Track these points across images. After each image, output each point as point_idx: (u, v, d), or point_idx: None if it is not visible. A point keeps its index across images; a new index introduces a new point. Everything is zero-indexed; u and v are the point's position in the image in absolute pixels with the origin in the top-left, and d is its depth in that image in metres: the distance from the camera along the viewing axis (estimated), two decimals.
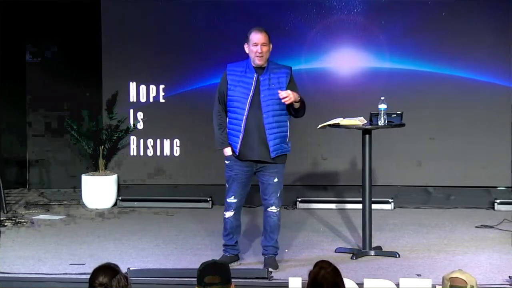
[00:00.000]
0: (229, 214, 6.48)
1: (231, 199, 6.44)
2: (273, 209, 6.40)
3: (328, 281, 3.76)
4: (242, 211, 6.63)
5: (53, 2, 9.74)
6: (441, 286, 4.13)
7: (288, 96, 6.17)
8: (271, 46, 6.34)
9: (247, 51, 6.35)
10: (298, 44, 9.13)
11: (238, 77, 6.32)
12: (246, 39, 6.34)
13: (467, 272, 4.17)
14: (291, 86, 6.32)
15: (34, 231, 7.98)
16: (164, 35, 9.37)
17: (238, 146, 6.29)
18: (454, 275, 4.01)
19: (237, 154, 6.31)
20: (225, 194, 6.49)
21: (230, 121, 6.36)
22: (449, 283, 3.97)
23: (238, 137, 6.29)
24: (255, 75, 6.29)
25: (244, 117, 6.25)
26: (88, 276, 3.74)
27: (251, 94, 6.24)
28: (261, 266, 6.40)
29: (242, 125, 6.26)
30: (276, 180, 6.35)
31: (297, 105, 6.29)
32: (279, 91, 6.20)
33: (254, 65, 6.31)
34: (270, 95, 6.25)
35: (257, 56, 6.26)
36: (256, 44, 6.26)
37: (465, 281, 4.00)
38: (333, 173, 9.19)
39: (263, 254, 6.51)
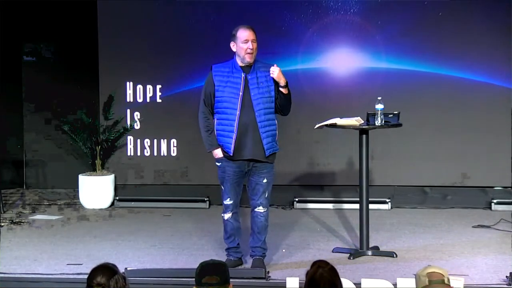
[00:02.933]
0: (227, 215, 6.41)
1: (227, 201, 6.38)
2: (260, 209, 6.36)
3: (325, 280, 3.76)
4: (240, 212, 6.61)
5: (50, 2, 9.73)
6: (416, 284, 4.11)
7: (277, 71, 6.16)
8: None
9: (234, 50, 6.27)
10: (295, 44, 9.12)
11: (225, 78, 6.25)
12: (232, 37, 6.26)
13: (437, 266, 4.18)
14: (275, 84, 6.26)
15: (30, 231, 7.97)
16: (161, 35, 9.37)
17: (232, 146, 6.22)
18: (429, 270, 4.03)
19: (231, 154, 6.25)
20: (221, 196, 6.45)
21: (219, 122, 6.27)
22: (427, 279, 3.98)
23: (231, 137, 6.22)
24: (242, 74, 6.23)
25: (237, 117, 6.19)
26: (85, 276, 3.73)
27: (241, 93, 6.19)
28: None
29: (235, 125, 6.19)
30: (265, 180, 6.31)
31: (285, 91, 6.23)
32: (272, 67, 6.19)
33: (242, 64, 6.25)
34: (260, 93, 6.22)
35: (248, 53, 6.19)
36: (247, 41, 6.20)
37: (442, 274, 4.02)
38: (330, 173, 9.20)
39: (251, 255, 6.46)
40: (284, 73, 6.37)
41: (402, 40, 9.02)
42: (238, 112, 6.19)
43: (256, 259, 6.39)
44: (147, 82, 9.42)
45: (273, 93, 6.26)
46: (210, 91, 6.27)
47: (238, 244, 6.48)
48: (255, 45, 6.22)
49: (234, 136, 6.21)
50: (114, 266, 3.79)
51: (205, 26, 9.24)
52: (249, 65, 6.26)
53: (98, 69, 9.47)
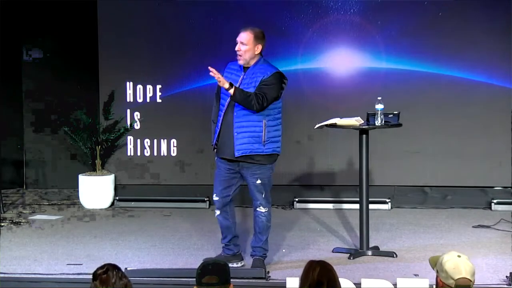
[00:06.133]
0: (217, 212, 6.51)
1: (214, 197, 6.49)
2: (261, 209, 6.38)
3: (321, 275, 3.82)
4: (235, 211, 6.62)
5: (50, 2, 9.72)
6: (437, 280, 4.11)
7: (215, 76, 6.12)
8: (258, 47, 6.26)
9: None
10: (295, 44, 9.12)
11: (230, 75, 6.35)
12: None
13: (464, 256, 4.11)
14: (260, 83, 6.19)
15: (30, 231, 7.97)
16: (161, 35, 9.36)
17: (215, 142, 6.37)
18: (458, 276, 3.99)
19: (214, 151, 6.41)
20: None
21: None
22: (454, 283, 3.97)
23: (216, 134, 6.36)
24: (242, 74, 6.30)
25: (222, 113, 6.30)
26: (85, 276, 3.76)
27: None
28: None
29: (219, 122, 6.33)
30: (259, 181, 6.30)
31: (231, 92, 6.14)
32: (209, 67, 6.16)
33: (244, 64, 6.32)
34: None
35: (237, 55, 6.28)
36: (237, 42, 6.28)
37: (469, 280, 4.00)
38: (330, 173, 9.19)
39: (251, 255, 6.49)
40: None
41: (402, 40, 9.02)
42: (224, 109, 6.29)
43: (256, 259, 6.41)
44: (147, 82, 9.42)
45: None
46: (218, 86, 6.37)
47: (229, 241, 6.53)
48: (243, 47, 6.24)
49: (217, 133, 6.34)
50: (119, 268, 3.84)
51: (205, 26, 9.24)
52: (248, 66, 6.29)
53: (98, 69, 9.48)
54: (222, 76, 6.30)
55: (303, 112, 9.08)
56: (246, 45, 6.23)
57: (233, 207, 6.58)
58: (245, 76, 6.28)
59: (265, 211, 6.38)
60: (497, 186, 8.99)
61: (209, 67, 6.14)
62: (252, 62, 6.29)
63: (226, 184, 6.42)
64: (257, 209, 6.40)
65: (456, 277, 3.96)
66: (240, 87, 6.21)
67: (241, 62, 6.29)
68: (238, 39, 6.26)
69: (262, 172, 6.31)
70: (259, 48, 6.27)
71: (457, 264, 4.00)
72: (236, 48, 6.26)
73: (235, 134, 6.21)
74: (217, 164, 6.44)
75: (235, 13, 9.06)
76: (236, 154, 6.22)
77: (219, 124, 6.32)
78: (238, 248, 6.60)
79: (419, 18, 9.01)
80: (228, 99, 6.24)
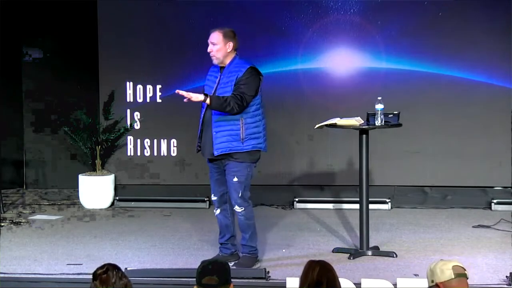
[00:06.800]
0: (217, 211, 6.57)
1: (212, 197, 6.59)
2: (237, 208, 6.41)
3: (320, 275, 3.84)
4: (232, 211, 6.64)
5: (50, 2, 9.73)
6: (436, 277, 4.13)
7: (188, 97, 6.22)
8: (229, 45, 6.31)
9: None
10: (295, 44, 9.12)
11: (210, 77, 6.48)
12: None
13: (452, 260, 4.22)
14: (237, 83, 6.25)
15: (30, 231, 7.97)
16: (161, 35, 9.37)
17: (198, 143, 6.48)
18: (453, 264, 4.09)
19: (196, 151, 6.53)
20: None
21: None
22: (453, 272, 4.04)
23: (199, 135, 6.46)
24: (218, 75, 6.40)
25: (202, 114, 6.41)
26: (85, 276, 3.76)
27: (212, 92, 6.34)
28: (258, 266, 6.40)
29: (200, 123, 6.43)
30: (235, 179, 6.34)
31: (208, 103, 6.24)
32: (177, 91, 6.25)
33: (220, 64, 6.41)
34: (221, 93, 6.29)
35: (211, 56, 6.36)
36: (208, 44, 6.37)
37: (464, 269, 4.12)
38: (330, 173, 9.19)
39: (241, 253, 6.56)
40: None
41: (402, 40, 9.02)
42: (204, 110, 6.39)
43: (243, 256, 6.49)
44: (147, 82, 9.42)
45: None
46: (202, 90, 6.45)
47: (226, 240, 6.57)
48: (212, 47, 6.33)
49: (198, 133, 6.46)
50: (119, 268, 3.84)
51: (205, 26, 9.18)
52: (224, 66, 6.38)
53: (98, 69, 9.48)
54: (205, 80, 6.48)
55: (303, 112, 9.08)
56: (216, 44, 6.32)
57: (232, 206, 6.59)
58: (222, 76, 6.36)
59: (242, 210, 6.40)
60: (497, 186, 8.99)
61: (176, 91, 6.24)
62: (227, 61, 6.36)
63: (220, 183, 6.49)
64: (234, 208, 6.46)
65: (451, 266, 4.04)
66: (218, 87, 6.31)
67: (215, 61, 6.39)
68: (209, 40, 6.36)
69: (239, 169, 6.34)
70: (230, 46, 6.33)
71: (445, 260, 4.16)
72: (208, 50, 6.35)
73: (214, 133, 6.29)
74: (208, 165, 6.54)
75: (235, 13, 9.06)
76: (215, 153, 6.29)
77: (200, 126, 6.42)
78: (235, 248, 6.65)
79: (419, 18, 9.01)
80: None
